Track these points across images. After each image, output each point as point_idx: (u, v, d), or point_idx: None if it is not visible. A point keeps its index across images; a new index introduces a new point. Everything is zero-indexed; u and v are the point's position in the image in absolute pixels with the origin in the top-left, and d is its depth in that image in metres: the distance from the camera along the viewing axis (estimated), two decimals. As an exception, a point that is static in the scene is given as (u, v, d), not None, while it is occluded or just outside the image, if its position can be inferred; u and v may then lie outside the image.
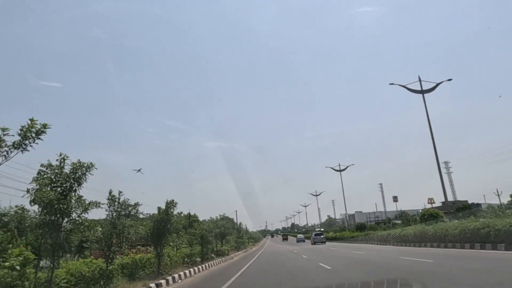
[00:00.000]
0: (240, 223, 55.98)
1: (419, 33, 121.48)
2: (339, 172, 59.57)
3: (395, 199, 71.57)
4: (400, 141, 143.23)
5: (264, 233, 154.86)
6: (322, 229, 64.76)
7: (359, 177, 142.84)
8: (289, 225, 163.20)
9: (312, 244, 46.48)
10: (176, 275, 12.61)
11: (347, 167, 60.62)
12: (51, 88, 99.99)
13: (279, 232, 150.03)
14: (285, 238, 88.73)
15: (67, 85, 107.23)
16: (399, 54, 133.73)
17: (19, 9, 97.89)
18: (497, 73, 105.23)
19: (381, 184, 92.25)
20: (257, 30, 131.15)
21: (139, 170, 50.33)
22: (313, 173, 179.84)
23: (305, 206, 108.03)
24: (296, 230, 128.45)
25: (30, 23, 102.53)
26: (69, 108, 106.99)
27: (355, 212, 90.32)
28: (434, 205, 47.94)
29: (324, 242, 45.63)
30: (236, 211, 67.38)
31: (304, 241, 62.16)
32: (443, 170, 57.18)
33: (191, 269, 15.17)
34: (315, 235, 49.06)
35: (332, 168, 61.53)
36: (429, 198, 50.35)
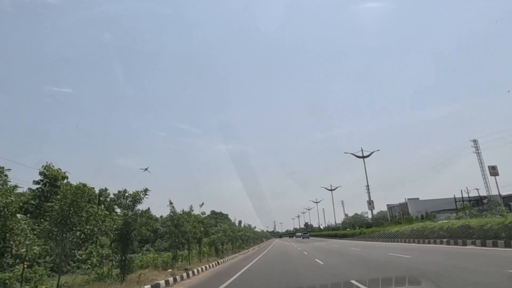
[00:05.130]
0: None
1: (424, 30, 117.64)
2: (360, 160, 54.22)
3: (493, 170, 44.31)
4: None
5: (273, 234, 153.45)
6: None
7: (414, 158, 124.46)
8: (302, 225, 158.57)
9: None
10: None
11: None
12: (62, 93, 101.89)
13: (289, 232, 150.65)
14: (291, 236, 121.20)
15: (78, 89, 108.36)
16: (405, 50, 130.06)
17: (30, 16, 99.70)
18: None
19: (475, 141, 52.01)
20: (265, 29, 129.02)
21: (146, 169, 51.12)
22: (325, 170, 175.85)
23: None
24: (319, 228, 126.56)
25: (41, 30, 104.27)
26: (79, 112, 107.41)
27: (408, 200, 70.51)
28: None
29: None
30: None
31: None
32: None
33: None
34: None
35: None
36: None
